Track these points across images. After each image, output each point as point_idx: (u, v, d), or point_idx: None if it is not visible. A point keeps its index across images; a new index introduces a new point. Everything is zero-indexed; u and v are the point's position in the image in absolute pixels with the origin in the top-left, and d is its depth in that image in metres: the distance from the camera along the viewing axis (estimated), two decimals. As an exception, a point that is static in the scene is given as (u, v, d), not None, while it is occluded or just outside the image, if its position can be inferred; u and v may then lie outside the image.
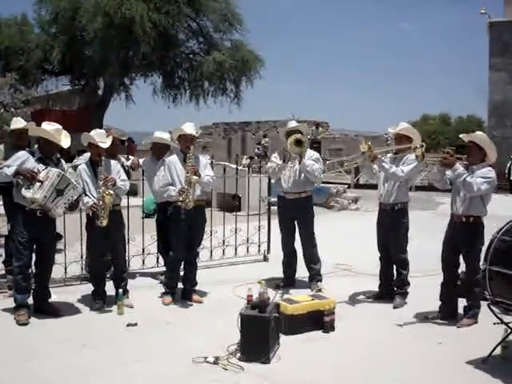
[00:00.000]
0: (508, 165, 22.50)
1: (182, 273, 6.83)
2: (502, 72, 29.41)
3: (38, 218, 5.83)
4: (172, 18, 21.95)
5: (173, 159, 6.61)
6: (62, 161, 6.27)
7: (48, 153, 6.02)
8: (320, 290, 6.89)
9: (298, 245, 7.35)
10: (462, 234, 5.86)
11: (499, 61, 29.43)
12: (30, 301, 6.09)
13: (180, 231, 6.47)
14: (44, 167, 5.83)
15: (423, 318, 6.14)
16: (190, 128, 6.56)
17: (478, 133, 6.02)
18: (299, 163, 6.95)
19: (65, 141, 6.01)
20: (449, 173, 5.85)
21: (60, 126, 6.09)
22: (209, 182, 6.59)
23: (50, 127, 5.96)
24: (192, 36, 25.05)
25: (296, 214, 7.17)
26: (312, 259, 7.24)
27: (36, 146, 6.12)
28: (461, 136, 6.11)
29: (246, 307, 5.09)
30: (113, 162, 6.53)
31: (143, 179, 7.82)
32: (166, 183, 6.52)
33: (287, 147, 6.86)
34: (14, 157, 5.91)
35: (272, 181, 8.29)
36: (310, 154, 7.19)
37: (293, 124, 7.32)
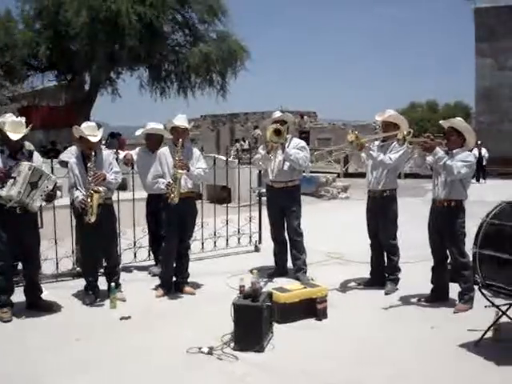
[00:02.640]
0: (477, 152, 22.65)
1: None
2: (488, 58, 29.55)
3: (19, 215, 5.71)
4: (157, 10, 21.85)
5: (164, 151, 6.60)
6: (36, 154, 6.13)
7: (12, 147, 5.81)
8: (312, 280, 6.92)
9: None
10: (445, 218, 5.94)
11: (485, 46, 29.57)
12: (19, 298, 6.06)
13: (171, 223, 6.47)
14: (14, 162, 5.71)
15: (415, 302, 6.20)
16: (181, 120, 6.54)
17: (457, 118, 6.10)
18: (282, 153, 6.97)
19: (13, 134, 5.70)
20: (429, 158, 5.92)
21: (19, 119, 5.88)
22: (199, 175, 6.57)
23: (4, 119, 5.79)
24: (177, 28, 24.96)
25: (283, 203, 7.19)
26: (298, 249, 7.27)
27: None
28: (440, 122, 6.23)
29: (239, 297, 5.11)
30: (105, 153, 6.49)
31: (133, 173, 7.80)
32: (157, 175, 6.52)
33: (267, 137, 6.89)
34: None
35: (262, 172, 8.30)
36: (296, 142, 7.21)
37: (277, 114, 7.34)
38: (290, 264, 7.46)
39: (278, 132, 6.82)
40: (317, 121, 38.50)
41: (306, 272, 7.22)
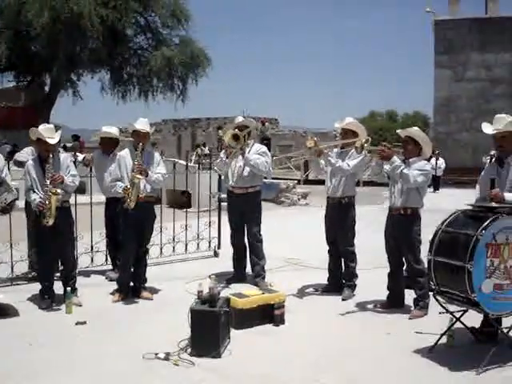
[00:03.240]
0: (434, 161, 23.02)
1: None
2: (446, 69, 30.14)
3: None
4: (119, 13, 21.71)
5: (124, 154, 6.55)
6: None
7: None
8: (270, 286, 6.96)
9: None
10: (401, 226, 6.05)
11: (444, 58, 30.16)
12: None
13: (128, 227, 6.42)
14: None
15: (371, 308, 6.28)
16: (142, 124, 6.49)
17: (414, 128, 6.21)
18: (243, 158, 6.99)
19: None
20: (386, 166, 6.02)
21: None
22: (158, 180, 6.53)
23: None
24: (140, 31, 24.86)
25: (243, 209, 7.19)
26: (257, 255, 7.28)
27: None
28: (397, 131, 6.36)
29: (197, 302, 5.10)
30: (62, 156, 6.42)
31: (91, 176, 7.73)
32: (115, 178, 6.46)
33: (225, 142, 6.91)
34: None
35: (222, 177, 8.31)
36: (258, 147, 7.24)
37: (240, 119, 7.36)
38: (248, 269, 7.47)
39: (236, 137, 6.82)
40: (278, 128, 38.73)
41: (264, 278, 7.23)
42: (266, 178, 7.55)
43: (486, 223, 4.55)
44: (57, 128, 6.53)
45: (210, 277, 5.30)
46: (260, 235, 7.27)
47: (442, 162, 24.24)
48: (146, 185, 6.40)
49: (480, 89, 29.54)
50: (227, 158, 7.01)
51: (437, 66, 30.48)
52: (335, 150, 6.75)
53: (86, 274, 7.66)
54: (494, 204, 4.82)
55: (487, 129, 5.22)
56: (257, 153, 7.09)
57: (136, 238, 6.48)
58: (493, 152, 24.13)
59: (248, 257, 7.38)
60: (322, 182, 6.91)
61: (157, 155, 6.75)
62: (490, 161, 24.42)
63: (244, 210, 7.20)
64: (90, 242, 7.83)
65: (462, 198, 5.78)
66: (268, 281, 7.14)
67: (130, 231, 6.42)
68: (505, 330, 4.98)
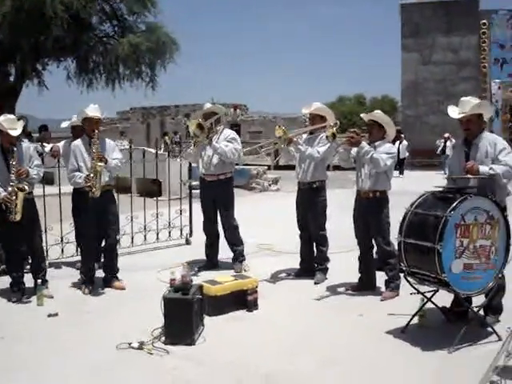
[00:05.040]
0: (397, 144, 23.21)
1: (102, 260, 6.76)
2: (413, 52, 30.36)
3: None
4: (84, 0, 21.32)
5: (78, 143, 6.44)
6: None
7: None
8: (244, 270, 6.99)
9: (220, 226, 7.39)
10: (370, 209, 6.11)
11: (411, 42, 30.37)
12: None
13: (88, 219, 6.35)
14: None
15: (344, 291, 6.33)
16: (93, 110, 6.36)
17: (378, 111, 6.28)
18: (210, 146, 6.95)
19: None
20: (353, 151, 6.06)
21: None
22: (117, 166, 6.45)
23: None
24: (105, 19, 24.44)
25: (216, 196, 7.17)
26: (234, 241, 7.29)
27: None
28: (361, 115, 6.40)
29: (169, 290, 5.08)
30: (24, 145, 6.28)
31: (59, 167, 7.61)
32: (72, 169, 6.36)
33: (191, 132, 6.86)
34: None
35: (193, 164, 8.27)
36: (227, 134, 7.19)
37: (208, 106, 7.32)
38: (220, 256, 7.46)
39: (200, 126, 6.76)
40: (247, 114, 38.66)
41: (242, 262, 7.28)
42: (237, 164, 7.52)
43: (454, 204, 4.61)
44: (19, 118, 6.41)
45: (182, 265, 5.28)
46: (234, 221, 7.28)
47: (404, 145, 24.32)
48: (104, 173, 6.30)
49: (447, 72, 29.82)
50: (194, 146, 6.97)
51: (404, 49, 30.66)
52: (304, 135, 6.76)
53: (57, 265, 7.59)
54: (469, 176, 4.88)
55: (453, 113, 5.27)
56: (225, 140, 7.06)
57: (97, 229, 6.41)
58: (446, 135, 24.56)
59: (226, 243, 7.38)
60: (292, 168, 6.93)
61: (109, 141, 6.64)
62: (444, 144, 24.92)
63: (216, 198, 7.18)
64: (60, 233, 7.73)
65: (430, 180, 5.84)
66: (245, 263, 7.24)
67: (89, 222, 6.35)
68: (475, 309, 5.07)
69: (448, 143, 24.31)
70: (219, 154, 6.95)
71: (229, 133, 7.26)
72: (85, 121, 6.39)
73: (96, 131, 6.21)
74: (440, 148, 25.06)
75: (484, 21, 29.54)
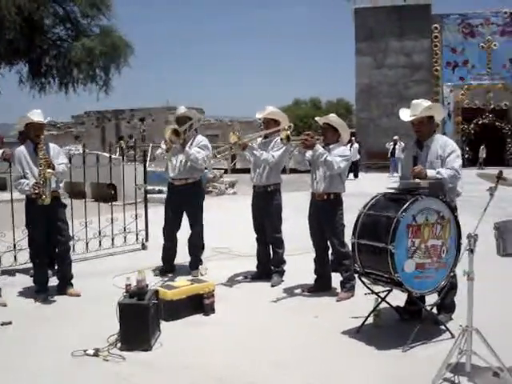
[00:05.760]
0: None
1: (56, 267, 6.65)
2: (367, 56, 30.81)
3: None
4: (37, 3, 21.04)
5: (22, 149, 6.31)
6: None
7: None
8: (201, 274, 6.98)
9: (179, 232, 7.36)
10: (324, 211, 6.18)
11: (364, 46, 30.82)
12: None
13: (38, 226, 6.25)
14: None
15: (300, 293, 6.38)
16: (37, 115, 6.24)
17: (332, 115, 6.37)
18: (183, 152, 6.92)
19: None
20: (308, 154, 6.12)
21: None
22: (64, 171, 6.35)
23: None
24: (59, 22, 24.16)
25: (183, 200, 7.14)
26: (197, 246, 7.28)
27: None
28: (316, 118, 6.49)
29: (125, 296, 5.03)
30: (51, 144, 6.21)
31: (11, 172, 7.46)
32: (18, 176, 6.23)
33: (165, 136, 6.83)
34: None
35: (150, 168, 8.22)
36: (199, 140, 7.15)
37: (181, 110, 7.27)
38: (176, 261, 7.43)
39: (176, 133, 6.74)
40: (204, 117, 38.56)
41: (198, 266, 7.25)
42: (206, 168, 7.51)
43: (405, 205, 4.70)
44: None
45: (138, 270, 5.24)
46: (201, 226, 7.27)
47: (355, 148, 24.62)
48: (52, 179, 6.19)
49: (400, 75, 30.37)
50: (166, 151, 6.93)
51: (358, 53, 31.11)
52: (259, 139, 6.79)
53: (10, 272, 7.42)
54: (417, 180, 4.97)
55: (405, 116, 5.37)
56: (197, 146, 7.03)
57: (48, 235, 6.32)
58: (396, 137, 25.09)
59: (182, 248, 7.34)
60: (249, 171, 6.94)
61: (53, 146, 6.51)
62: (393, 146, 25.45)
63: (184, 202, 7.14)
64: (13, 241, 7.58)
65: (382, 182, 5.93)
66: (202, 267, 7.22)
67: (40, 228, 6.25)
68: (428, 308, 5.17)
69: (397, 146, 24.86)
70: (191, 161, 6.92)
71: (201, 139, 7.19)
72: (28, 126, 6.26)
73: (42, 136, 6.11)
74: (390, 151, 25.60)
75: (436, 25, 30.21)
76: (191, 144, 7.01)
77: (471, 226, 4.13)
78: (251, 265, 7.17)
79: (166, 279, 6.92)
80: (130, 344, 4.77)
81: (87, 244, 8.28)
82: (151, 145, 23.88)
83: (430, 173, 5.03)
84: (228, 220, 11.52)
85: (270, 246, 6.92)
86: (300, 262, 7.24)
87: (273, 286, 6.68)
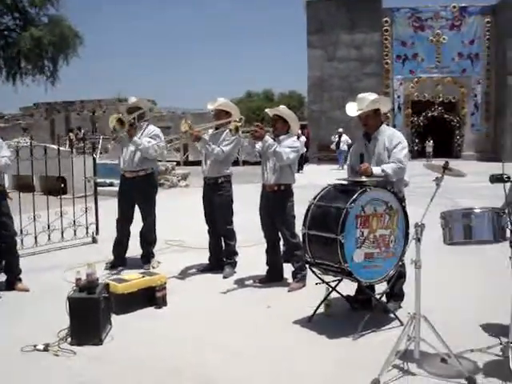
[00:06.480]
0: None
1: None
2: (318, 49, 30.97)
3: None
4: (-18, -9, 20.49)
5: None
6: None
7: None
8: (153, 267, 6.94)
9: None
10: (275, 202, 6.23)
11: (316, 38, 30.97)
12: None
13: None
14: None
15: (252, 284, 6.42)
16: None
17: (282, 106, 6.42)
18: (130, 142, 6.85)
19: None
20: (258, 145, 6.15)
21: None
22: (6, 164, 6.20)
23: None
24: (6, 11, 23.58)
25: (135, 193, 7.07)
26: (149, 239, 7.24)
27: None
28: (266, 110, 6.52)
29: (74, 290, 4.97)
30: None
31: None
32: None
33: (111, 127, 6.75)
34: None
35: (100, 161, 8.11)
36: (150, 130, 7.09)
37: (132, 100, 7.21)
38: (128, 254, 7.37)
39: (120, 122, 6.66)
40: (156, 109, 38.25)
41: (150, 259, 7.22)
42: (160, 160, 7.43)
43: (354, 196, 4.77)
44: None
45: (88, 264, 5.17)
46: (154, 219, 7.23)
47: (302, 141, 24.81)
48: None
49: (351, 68, 30.65)
50: (113, 140, 6.86)
51: (309, 46, 31.25)
52: (210, 130, 6.79)
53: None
54: (363, 178, 5.05)
55: (351, 111, 5.43)
56: (148, 136, 6.96)
57: None
58: (340, 130, 25.50)
59: (133, 241, 7.29)
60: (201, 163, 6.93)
61: None
62: (339, 139, 25.91)
63: (136, 194, 7.07)
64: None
65: (335, 173, 6.00)
66: (153, 260, 7.20)
67: None
68: (377, 296, 5.27)
69: (342, 138, 25.26)
70: (141, 151, 6.85)
71: (152, 129, 7.13)
72: None
73: None
74: (334, 143, 26.03)
75: (386, 18, 30.60)
76: (142, 134, 6.95)
77: (419, 216, 4.23)
78: (203, 257, 7.17)
79: (117, 272, 6.86)
80: (81, 338, 4.72)
81: (36, 238, 8.13)
82: (102, 137, 23.59)
83: (376, 170, 5.11)
84: (180, 212, 11.47)
85: (222, 238, 6.93)
86: (252, 253, 7.30)
87: (225, 277, 6.70)
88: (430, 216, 4.21)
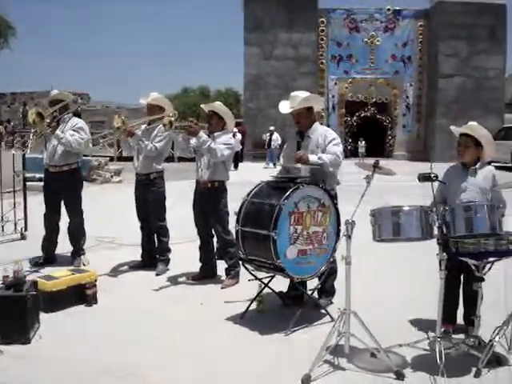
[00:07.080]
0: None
1: None
2: (255, 47, 31.02)
3: None
4: None
5: None
6: None
7: None
8: (83, 264, 6.81)
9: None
10: (209, 199, 6.23)
11: (253, 36, 31.00)
12: None
13: None
14: None
15: (185, 281, 6.39)
16: None
17: (217, 103, 6.45)
18: (52, 136, 6.67)
19: None
20: (192, 141, 6.13)
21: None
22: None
23: None
24: None
25: (60, 187, 6.89)
26: (77, 235, 7.07)
27: None
28: (201, 106, 6.52)
29: (1, 288, 4.82)
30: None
31: None
32: None
33: (30, 121, 6.56)
34: None
35: (30, 155, 7.89)
36: (74, 122, 6.90)
37: (53, 93, 7.04)
38: (57, 251, 7.20)
39: (40, 115, 6.47)
40: (89, 103, 37.58)
41: (80, 256, 7.06)
42: (86, 155, 7.26)
43: (287, 193, 4.81)
44: None
45: (15, 261, 5.02)
46: (80, 215, 7.06)
47: (238, 139, 24.85)
48: None
49: (288, 67, 30.84)
50: (34, 135, 6.67)
51: (246, 43, 31.26)
52: (142, 126, 6.71)
53: None
54: (298, 165, 5.09)
55: (284, 109, 5.48)
56: (72, 129, 6.79)
57: None
58: (272, 128, 25.80)
59: (63, 237, 7.11)
60: (136, 159, 6.83)
61: None
62: (270, 137, 26.23)
63: (60, 189, 6.89)
64: None
65: (267, 171, 6.03)
66: (84, 257, 7.07)
67: None
68: (309, 292, 5.33)
69: (273, 136, 25.53)
70: (63, 144, 6.66)
71: (76, 122, 6.94)
72: None
73: None
74: (266, 141, 26.32)
75: (322, 19, 30.94)
76: (65, 127, 6.78)
77: (350, 214, 4.30)
78: (136, 254, 7.09)
79: (46, 269, 6.68)
80: (8, 337, 4.59)
81: (-39, 234, 7.84)
82: (32, 130, 22.94)
83: (312, 158, 5.18)
84: (112, 209, 11.28)
85: (155, 235, 6.86)
86: (185, 250, 7.26)
87: (158, 274, 6.63)
88: (362, 214, 4.29)
